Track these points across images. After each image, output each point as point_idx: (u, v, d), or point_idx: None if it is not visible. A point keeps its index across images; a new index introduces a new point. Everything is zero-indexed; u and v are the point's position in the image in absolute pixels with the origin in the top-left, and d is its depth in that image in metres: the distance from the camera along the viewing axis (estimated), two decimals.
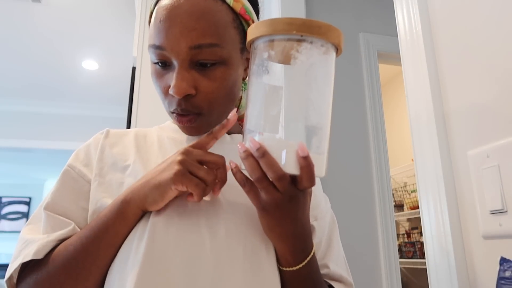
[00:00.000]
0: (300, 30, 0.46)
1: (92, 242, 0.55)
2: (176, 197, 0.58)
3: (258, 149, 0.46)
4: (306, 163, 0.46)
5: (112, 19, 2.94)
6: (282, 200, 0.49)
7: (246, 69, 0.68)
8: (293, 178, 0.48)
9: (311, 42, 0.48)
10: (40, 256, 0.56)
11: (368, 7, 2.06)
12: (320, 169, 0.49)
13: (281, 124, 0.49)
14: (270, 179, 0.47)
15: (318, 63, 0.49)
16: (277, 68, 0.52)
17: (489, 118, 0.67)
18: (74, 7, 2.78)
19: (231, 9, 0.62)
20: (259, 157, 0.46)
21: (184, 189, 0.53)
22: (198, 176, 0.53)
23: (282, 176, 0.47)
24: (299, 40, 0.47)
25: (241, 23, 0.64)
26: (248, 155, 0.47)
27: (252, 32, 0.50)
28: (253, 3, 0.67)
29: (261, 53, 0.50)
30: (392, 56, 2.03)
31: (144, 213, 0.57)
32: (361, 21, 2.02)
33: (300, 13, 1.71)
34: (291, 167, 0.47)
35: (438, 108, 0.77)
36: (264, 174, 0.47)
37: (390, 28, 1.96)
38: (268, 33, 0.48)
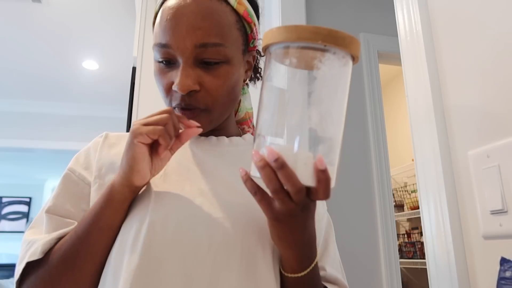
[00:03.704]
0: (326, 40, 0.45)
1: (83, 228, 0.56)
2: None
3: (276, 160, 0.44)
4: (324, 177, 0.45)
5: (112, 19, 2.94)
6: (296, 210, 0.48)
7: (246, 71, 0.69)
8: (307, 189, 0.47)
9: (334, 53, 0.47)
10: (43, 255, 0.57)
11: (368, 7, 2.06)
12: (331, 180, 0.48)
13: (294, 132, 0.47)
14: (287, 191, 0.46)
15: (338, 74, 0.48)
16: (294, 75, 0.50)
17: (490, 118, 0.67)
18: (74, 7, 2.78)
19: (235, 11, 0.63)
20: (278, 169, 0.44)
21: (145, 138, 0.54)
22: (152, 123, 0.55)
23: (301, 189, 0.45)
24: (322, 50, 0.46)
25: (243, 25, 0.65)
26: (265, 164, 0.45)
27: (272, 36, 0.48)
28: (254, 7, 0.69)
29: (279, 58, 0.49)
30: (393, 56, 2.03)
31: (131, 193, 0.57)
32: (361, 21, 2.02)
33: (300, 13, 1.71)
34: (307, 179, 0.45)
35: (438, 108, 0.77)
36: (281, 185, 0.46)
37: (390, 28, 1.95)
38: (291, 40, 0.46)
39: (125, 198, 0.57)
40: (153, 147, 0.57)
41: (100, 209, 0.57)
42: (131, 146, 0.55)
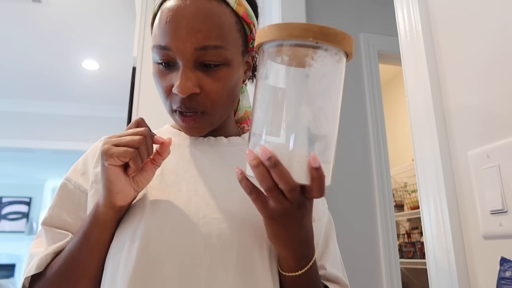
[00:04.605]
0: (317, 37, 0.45)
1: (74, 246, 0.57)
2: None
3: (269, 159, 0.44)
4: (317, 174, 0.45)
5: (112, 19, 2.94)
6: (291, 208, 0.48)
7: (245, 71, 0.69)
8: (302, 187, 0.47)
9: (326, 50, 0.46)
10: (41, 269, 0.58)
11: (368, 7, 2.06)
12: (326, 178, 0.47)
13: (288, 130, 0.47)
14: (281, 189, 0.46)
15: (331, 71, 0.48)
16: (287, 73, 0.50)
17: (489, 118, 0.67)
18: (75, 7, 2.78)
19: (234, 12, 0.63)
20: (271, 167, 0.44)
21: (116, 160, 0.52)
22: (123, 145, 0.53)
23: (294, 187, 0.45)
24: (314, 47, 0.46)
25: (243, 26, 0.65)
26: (258, 163, 0.45)
27: (264, 34, 0.48)
28: (253, 7, 0.69)
29: (272, 56, 0.49)
30: (393, 56, 2.03)
31: (116, 212, 0.57)
32: (361, 21, 2.02)
33: (300, 12, 1.71)
34: (302, 177, 0.45)
35: (438, 108, 0.77)
36: (275, 184, 0.46)
37: (390, 28, 1.95)
38: (283, 38, 0.46)
39: (110, 219, 0.57)
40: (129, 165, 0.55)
41: (88, 228, 0.57)
42: (103, 168, 0.54)
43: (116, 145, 0.53)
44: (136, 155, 0.53)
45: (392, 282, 1.67)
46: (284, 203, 0.47)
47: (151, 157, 0.58)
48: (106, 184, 0.54)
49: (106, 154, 0.52)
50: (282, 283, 0.58)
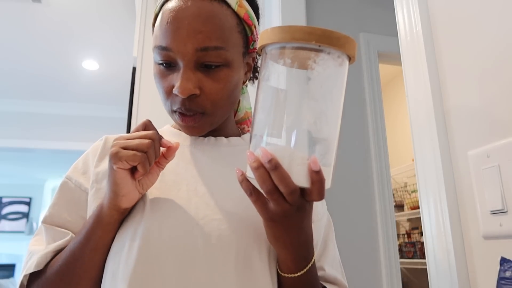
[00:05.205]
0: (320, 41, 0.45)
1: (77, 247, 0.57)
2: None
3: (270, 161, 0.44)
4: (318, 178, 0.45)
5: (112, 19, 2.94)
6: (291, 210, 0.48)
7: (246, 72, 0.69)
8: (302, 190, 0.47)
9: (328, 53, 0.47)
10: (40, 267, 0.58)
11: (368, 7, 2.06)
12: (326, 181, 0.48)
13: (289, 132, 0.47)
14: (281, 192, 0.46)
15: (333, 74, 0.48)
16: (289, 75, 0.50)
17: (490, 118, 0.67)
18: (75, 7, 2.78)
19: (235, 14, 0.63)
20: (271, 170, 0.44)
21: (125, 164, 0.52)
22: (132, 148, 0.53)
23: (294, 190, 0.45)
24: (317, 50, 0.46)
25: (244, 28, 0.65)
26: (259, 165, 0.45)
27: (267, 37, 0.49)
28: (254, 8, 0.69)
29: (275, 59, 0.49)
30: (393, 56, 2.03)
31: (120, 214, 0.57)
32: (361, 21, 2.02)
33: (300, 12, 1.71)
34: (302, 180, 0.45)
35: (438, 108, 0.77)
36: (275, 186, 0.46)
37: (390, 28, 1.95)
38: (286, 40, 0.47)
39: (114, 220, 0.57)
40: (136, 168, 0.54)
41: (91, 229, 0.57)
42: (111, 171, 0.54)
43: (125, 148, 0.52)
44: (145, 159, 0.53)
45: (392, 282, 1.67)
46: (284, 206, 0.47)
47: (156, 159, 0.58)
48: (112, 187, 0.54)
49: (114, 157, 0.52)
50: (281, 284, 0.58)
